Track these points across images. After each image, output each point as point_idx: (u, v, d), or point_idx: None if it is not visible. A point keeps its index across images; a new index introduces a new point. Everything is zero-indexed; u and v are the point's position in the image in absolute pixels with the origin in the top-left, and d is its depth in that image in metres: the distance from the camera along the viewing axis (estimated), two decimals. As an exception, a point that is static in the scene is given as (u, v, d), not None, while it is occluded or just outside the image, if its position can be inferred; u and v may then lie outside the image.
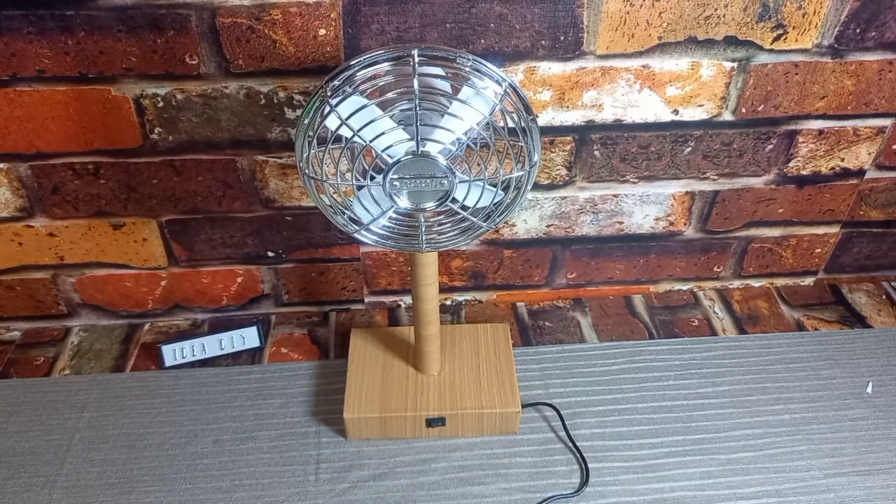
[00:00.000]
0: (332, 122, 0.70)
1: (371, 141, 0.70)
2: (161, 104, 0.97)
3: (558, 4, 0.92)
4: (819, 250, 1.25)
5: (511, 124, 0.72)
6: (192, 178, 1.05)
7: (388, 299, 1.25)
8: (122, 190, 1.05)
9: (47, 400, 1.09)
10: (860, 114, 1.07)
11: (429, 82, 0.70)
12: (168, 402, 1.08)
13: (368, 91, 0.70)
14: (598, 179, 1.11)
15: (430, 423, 1.01)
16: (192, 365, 1.14)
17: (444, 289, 1.23)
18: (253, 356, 1.16)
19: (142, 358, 1.16)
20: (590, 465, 0.99)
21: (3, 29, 0.89)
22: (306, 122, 0.71)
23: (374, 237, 0.80)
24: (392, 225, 0.80)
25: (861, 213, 1.21)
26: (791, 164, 1.12)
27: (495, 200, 0.78)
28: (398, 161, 0.71)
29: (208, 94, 0.96)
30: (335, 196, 0.77)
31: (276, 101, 0.97)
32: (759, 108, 1.05)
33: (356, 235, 0.80)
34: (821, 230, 1.22)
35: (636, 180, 1.11)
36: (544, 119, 1.03)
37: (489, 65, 0.71)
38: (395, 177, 0.73)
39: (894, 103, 1.06)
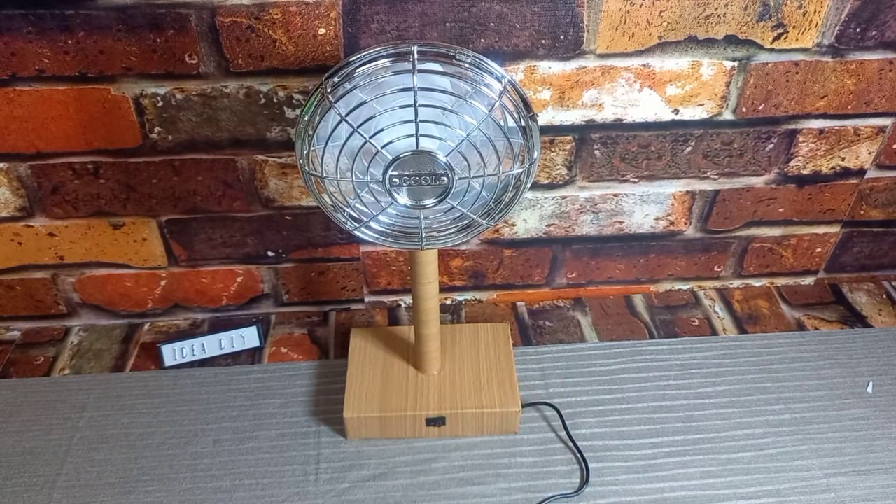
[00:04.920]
0: (331, 119, 0.70)
1: (371, 137, 0.70)
2: (161, 104, 0.97)
3: (558, 3, 0.92)
4: (819, 250, 1.25)
5: (511, 121, 0.72)
6: (192, 177, 1.05)
7: (388, 299, 1.24)
8: (122, 190, 1.05)
9: (47, 400, 1.09)
10: (860, 113, 1.07)
11: (428, 79, 0.70)
12: (168, 402, 1.08)
13: (368, 87, 0.70)
14: (598, 179, 1.11)
15: (430, 422, 1.01)
16: (191, 365, 1.14)
17: (444, 288, 1.23)
18: (253, 356, 1.16)
19: (142, 358, 1.16)
20: (590, 465, 0.99)
21: (3, 29, 0.89)
22: (306, 118, 0.71)
23: (374, 234, 0.80)
24: (392, 222, 0.80)
25: (861, 212, 1.20)
26: (791, 164, 1.12)
27: (495, 197, 0.78)
28: (398, 158, 0.71)
29: (208, 94, 0.96)
30: (335, 194, 0.77)
31: (275, 100, 0.97)
32: (760, 108, 1.05)
33: (356, 233, 0.80)
34: (821, 230, 1.22)
35: (636, 180, 1.11)
36: (544, 118, 1.03)
37: (489, 61, 0.71)
38: (395, 173, 0.73)
39: (895, 103, 1.06)
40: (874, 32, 0.99)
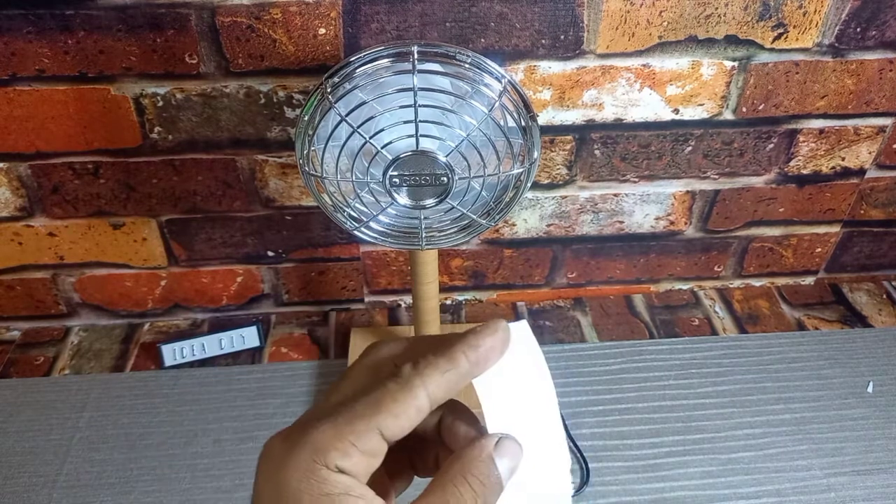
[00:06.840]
0: (331, 119, 0.70)
1: (371, 137, 0.70)
2: (161, 103, 0.97)
3: (558, 3, 0.92)
4: (820, 250, 1.25)
5: (511, 121, 0.72)
6: (192, 177, 1.05)
7: (388, 299, 1.24)
8: (122, 189, 1.05)
9: (47, 400, 1.09)
10: (861, 113, 1.07)
11: (428, 79, 0.70)
12: (168, 402, 1.08)
13: (368, 87, 0.70)
14: (598, 179, 1.11)
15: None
16: (191, 365, 1.14)
17: (444, 288, 1.23)
18: (253, 356, 1.16)
19: (141, 358, 1.16)
20: (590, 465, 0.99)
21: (2, 29, 0.89)
22: (306, 118, 0.71)
23: (374, 234, 0.80)
24: (392, 222, 0.80)
25: (862, 212, 1.20)
26: (792, 164, 1.12)
27: (495, 197, 0.78)
28: (397, 158, 0.71)
29: (208, 94, 0.96)
30: (335, 194, 0.77)
31: (275, 100, 0.97)
32: (760, 108, 1.05)
33: (356, 233, 0.80)
34: (821, 229, 1.22)
35: (636, 179, 1.11)
36: (544, 118, 1.03)
37: (489, 61, 0.71)
38: (395, 173, 0.73)
39: (895, 102, 1.06)
40: (874, 32, 0.99)
